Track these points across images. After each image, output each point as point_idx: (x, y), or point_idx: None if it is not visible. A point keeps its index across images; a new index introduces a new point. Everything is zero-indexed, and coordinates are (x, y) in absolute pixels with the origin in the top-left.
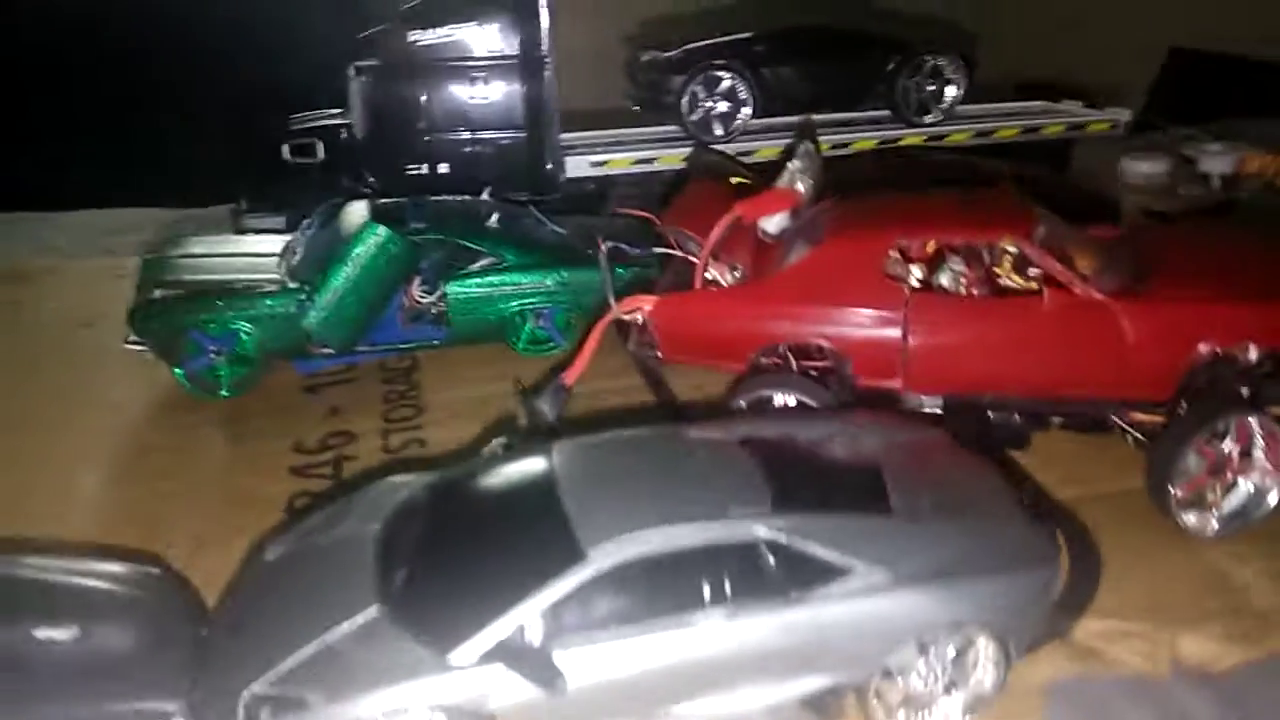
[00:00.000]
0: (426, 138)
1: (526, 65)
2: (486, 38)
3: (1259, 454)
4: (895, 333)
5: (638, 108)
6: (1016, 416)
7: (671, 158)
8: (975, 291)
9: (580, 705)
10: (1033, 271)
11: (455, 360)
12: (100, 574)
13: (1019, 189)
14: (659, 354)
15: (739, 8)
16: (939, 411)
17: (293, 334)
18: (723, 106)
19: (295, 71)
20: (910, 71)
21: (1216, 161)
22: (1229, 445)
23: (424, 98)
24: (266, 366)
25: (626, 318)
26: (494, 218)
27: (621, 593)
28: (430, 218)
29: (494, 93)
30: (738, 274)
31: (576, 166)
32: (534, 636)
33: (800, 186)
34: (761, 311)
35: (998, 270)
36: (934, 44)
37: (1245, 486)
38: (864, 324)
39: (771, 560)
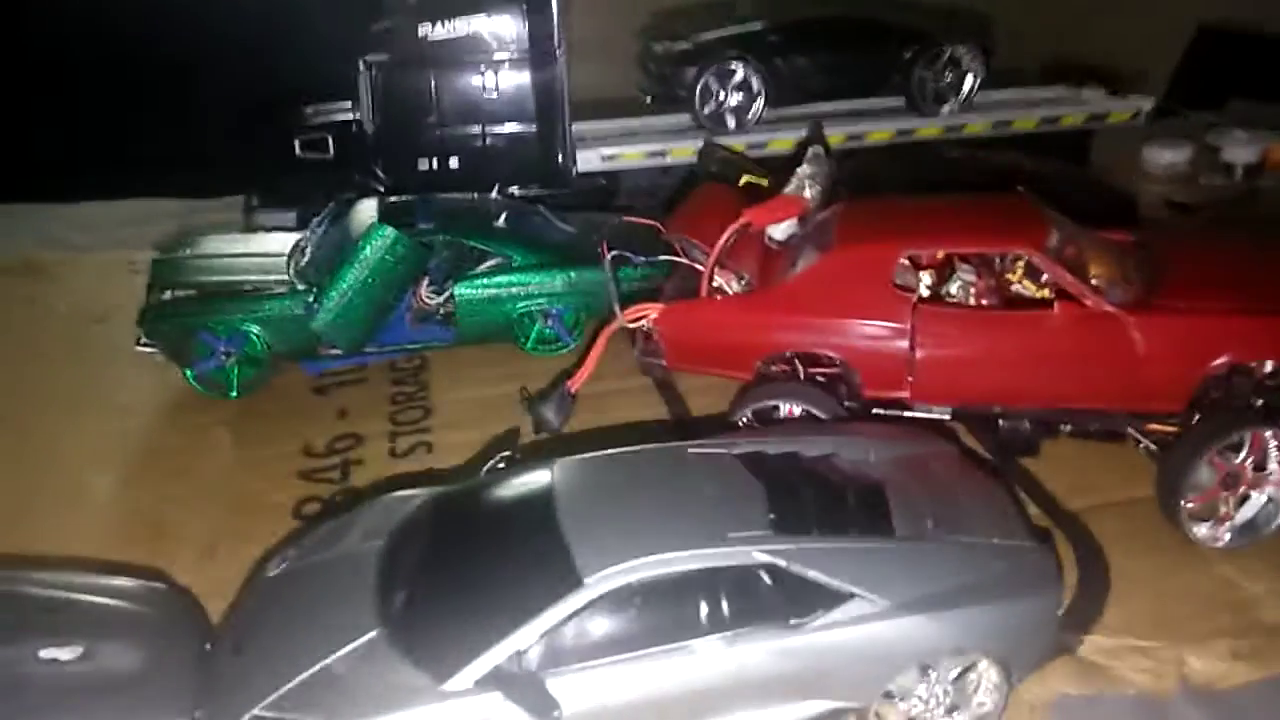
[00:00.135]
0: (437, 132)
1: (538, 58)
2: (497, 30)
3: (1274, 466)
4: (902, 344)
5: (650, 99)
6: (1026, 424)
7: (683, 151)
8: (985, 301)
9: None
10: (1045, 278)
11: (464, 360)
12: (105, 590)
13: (1033, 192)
14: (664, 362)
15: None
16: (948, 418)
17: (301, 335)
18: (736, 99)
19: (308, 64)
20: (927, 61)
21: (1240, 150)
22: (1243, 458)
23: (434, 92)
24: (275, 367)
25: (632, 326)
26: (502, 217)
27: (619, 618)
28: (438, 217)
29: (505, 86)
30: (744, 282)
31: (587, 160)
32: (530, 663)
33: (808, 193)
34: (767, 321)
35: (1010, 277)
36: (951, 33)
37: (1258, 499)
38: (871, 335)
39: (771, 585)
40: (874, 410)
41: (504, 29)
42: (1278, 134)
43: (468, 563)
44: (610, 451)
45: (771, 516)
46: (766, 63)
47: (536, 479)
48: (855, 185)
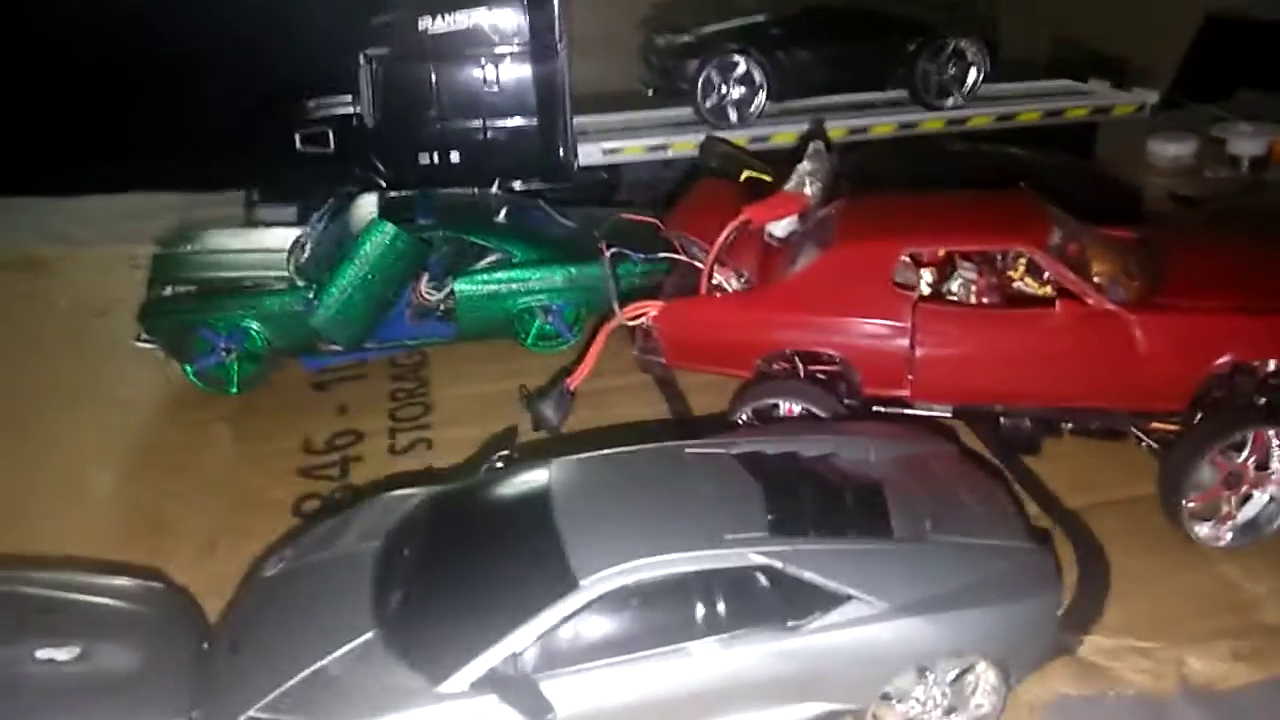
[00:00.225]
0: (437, 126)
1: (539, 51)
2: (498, 23)
3: (1276, 465)
4: (903, 343)
5: (651, 93)
6: (1028, 422)
7: (685, 144)
8: (986, 299)
9: None
10: (1047, 275)
11: (464, 356)
12: (102, 590)
13: (1036, 188)
14: (664, 360)
15: None
16: (949, 415)
17: (301, 331)
18: (738, 92)
19: (309, 58)
20: (931, 54)
21: (1246, 143)
22: (1245, 457)
23: (435, 85)
24: (275, 363)
25: (631, 324)
26: (502, 212)
27: (615, 620)
28: (438, 212)
29: (506, 79)
30: (744, 279)
31: (589, 153)
32: (526, 665)
33: (808, 189)
34: (767, 319)
35: (1012, 274)
36: (955, 25)
37: (1260, 499)
38: (871, 334)
39: (768, 587)
40: (874, 408)
41: (505, 22)
42: None
43: (464, 564)
44: (607, 451)
45: (769, 518)
46: (769, 56)
47: (533, 479)
48: (857, 179)
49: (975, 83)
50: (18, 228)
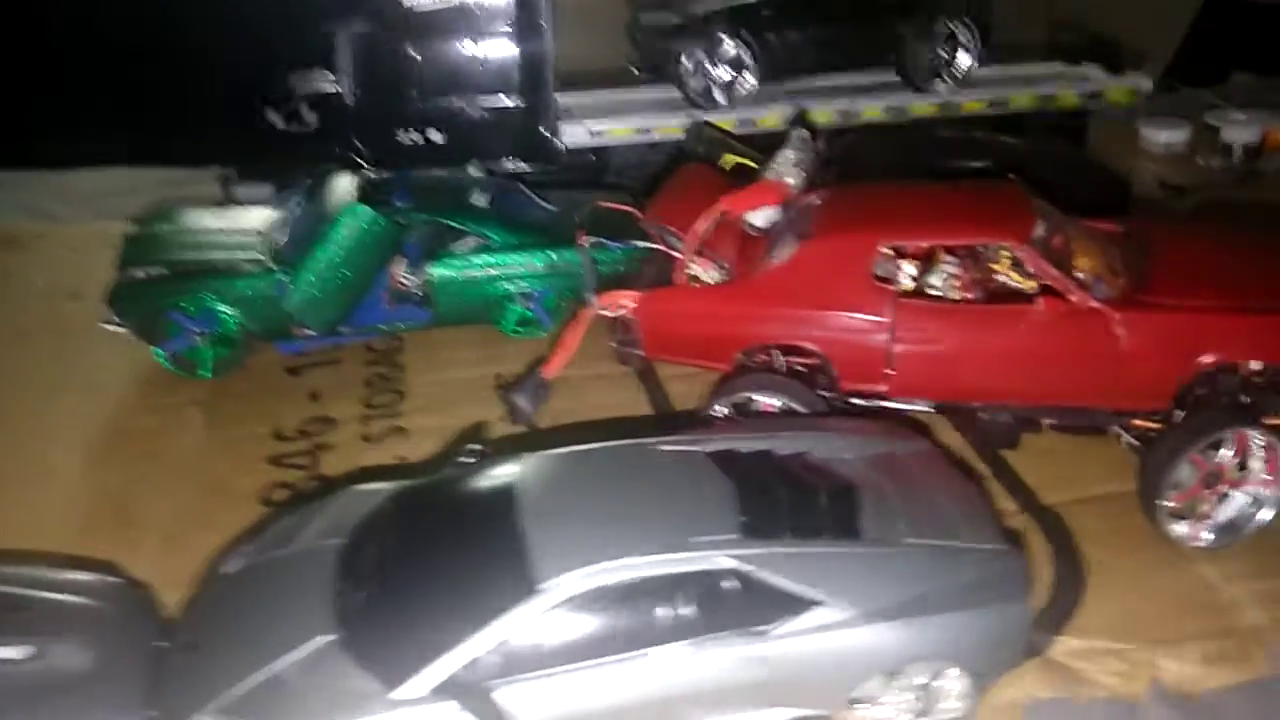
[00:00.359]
0: (419, 104)
1: (523, 28)
2: None
3: (1256, 465)
4: (882, 338)
5: (638, 72)
6: (1007, 417)
7: (671, 127)
8: (968, 294)
9: None
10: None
11: (442, 341)
12: (59, 585)
13: (1024, 175)
14: (641, 352)
15: None
16: (929, 409)
17: (275, 315)
18: (725, 74)
19: (291, 32)
20: (922, 36)
21: (1240, 131)
22: (1225, 457)
23: (416, 62)
24: (249, 347)
25: (608, 314)
26: (481, 195)
27: (579, 624)
28: (416, 195)
29: (489, 57)
30: (723, 271)
31: (574, 134)
32: (487, 670)
33: (789, 179)
34: (744, 312)
35: (995, 267)
36: (948, 7)
37: (1239, 499)
38: (849, 328)
39: (736, 591)
40: (853, 401)
41: None
42: (1277, 115)
43: (425, 564)
44: (578, 448)
45: (740, 519)
46: (757, 37)
47: (500, 476)
48: (845, 163)
49: (968, 66)
50: None
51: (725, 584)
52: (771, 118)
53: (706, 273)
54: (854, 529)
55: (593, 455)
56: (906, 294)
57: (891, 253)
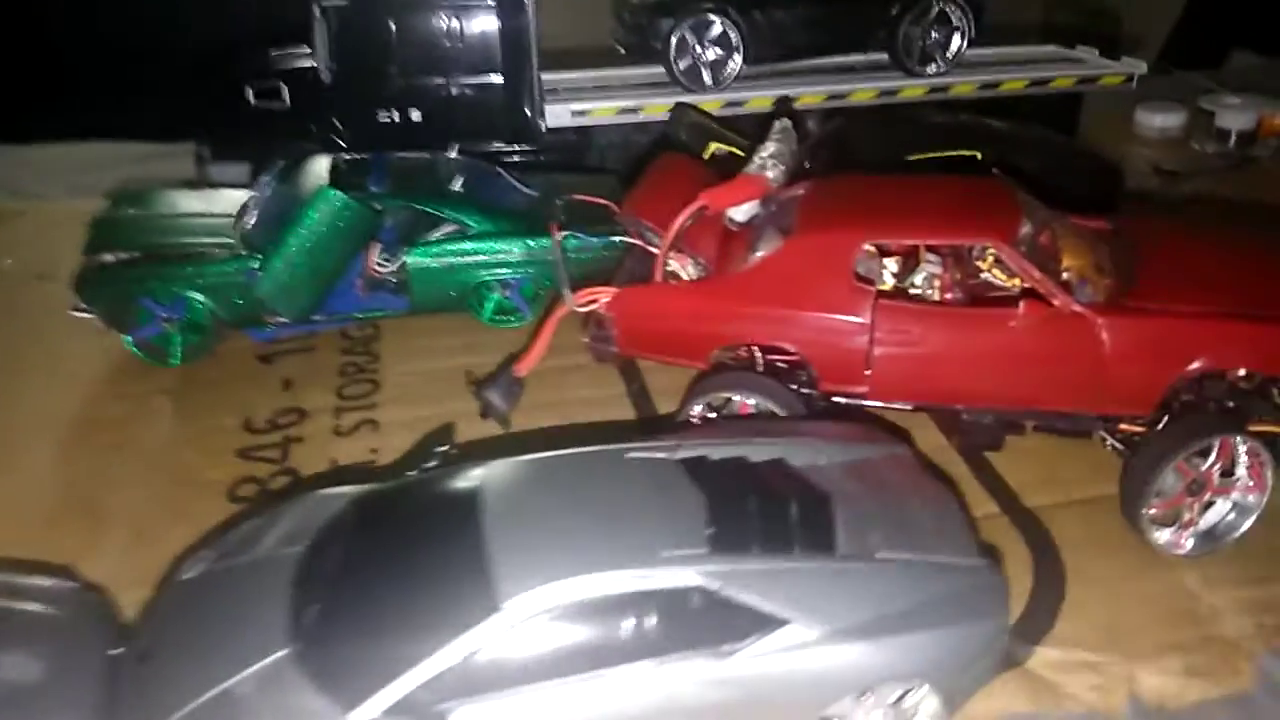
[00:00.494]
0: (398, 82)
1: (506, 3)
2: None
3: (1241, 472)
4: (861, 340)
5: (624, 51)
6: (990, 418)
7: (658, 107)
8: (950, 295)
9: None
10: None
11: (418, 329)
12: (10, 591)
13: (1012, 165)
14: (616, 348)
15: None
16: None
17: (247, 302)
18: (713, 54)
19: (271, 5)
20: (915, 17)
21: (1235, 117)
22: (1210, 464)
23: (395, 38)
24: (219, 334)
25: (583, 310)
26: (459, 180)
27: (542, 641)
28: (392, 179)
29: (471, 34)
30: (700, 267)
31: (557, 115)
32: (445, 690)
33: (770, 172)
34: (722, 310)
35: (980, 264)
36: None
37: (1222, 506)
38: (828, 329)
39: (704, 609)
40: (834, 399)
41: None
42: (1273, 100)
43: (386, 576)
44: (546, 455)
45: (709, 532)
46: (745, 16)
47: (466, 483)
48: (834, 149)
49: (959, 48)
50: None
51: (693, 601)
52: (760, 100)
53: (684, 269)
54: (827, 542)
55: (561, 463)
56: (887, 294)
57: (874, 249)
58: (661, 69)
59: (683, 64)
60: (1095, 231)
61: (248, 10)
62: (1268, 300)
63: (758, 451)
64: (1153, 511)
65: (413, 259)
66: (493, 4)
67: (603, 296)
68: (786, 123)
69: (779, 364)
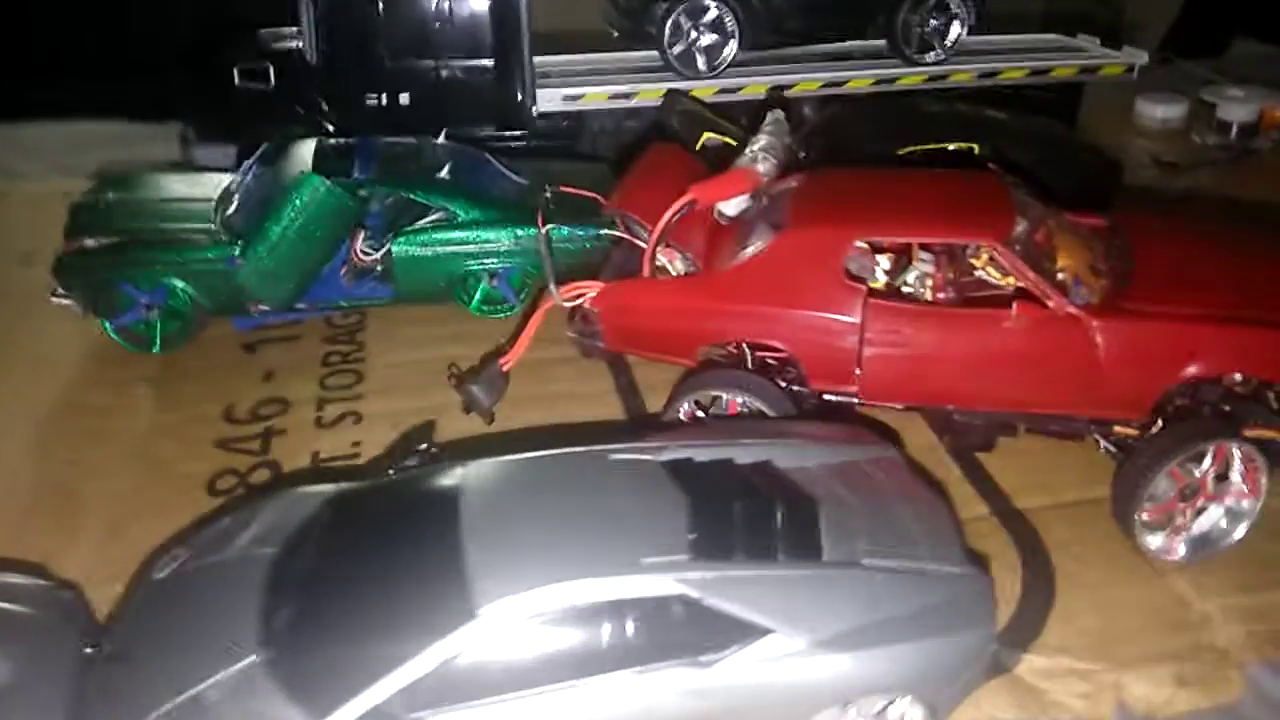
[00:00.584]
0: (386, 65)
1: None
2: None
3: (1235, 478)
4: (851, 339)
5: (617, 35)
6: (982, 420)
7: (652, 93)
8: (942, 294)
9: None
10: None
11: (405, 318)
12: None
13: (1009, 158)
14: (601, 344)
15: None
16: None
17: (229, 290)
18: (708, 39)
19: None
20: (913, 4)
21: (1237, 108)
22: (1204, 469)
23: (383, 19)
24: (200, 322)
25: (569, 305)
26: (447, 167)
27: (519, 650)
28: (378, 164)
29: (461, 15)
30: (689, 261)
31: (549, 99)
32: (419, 700)
33: (762, 166)
34: (710, 307)
35: (974, 261)
36: None
37: (1215, 513)
38: (818, 328)
39: (686, 617)
40: (824, 397)
41: None
42: (1275, 92)
43: (360, 581)
44: (527, 455)
45: (691, 538)
46: (741, 0)
47: (444, 484)
48: (828, 135)
49: (958, 35)
50: None
51: (674, 609)
52: (755, 86)
53: (672, 264)
54: (812, 548)
55: (542, 464)
56: (878, 292)
57: (866, 246)
58: (655, 54)
59: (677, 49)
60: (1092, 229)
61: None
62: (1266, 303)
63: (743, 454)
64: (1145, 516)
65: (398, 247)
66: None
67: (589, 291)
68: (779, 114)
69: (768, 362)
